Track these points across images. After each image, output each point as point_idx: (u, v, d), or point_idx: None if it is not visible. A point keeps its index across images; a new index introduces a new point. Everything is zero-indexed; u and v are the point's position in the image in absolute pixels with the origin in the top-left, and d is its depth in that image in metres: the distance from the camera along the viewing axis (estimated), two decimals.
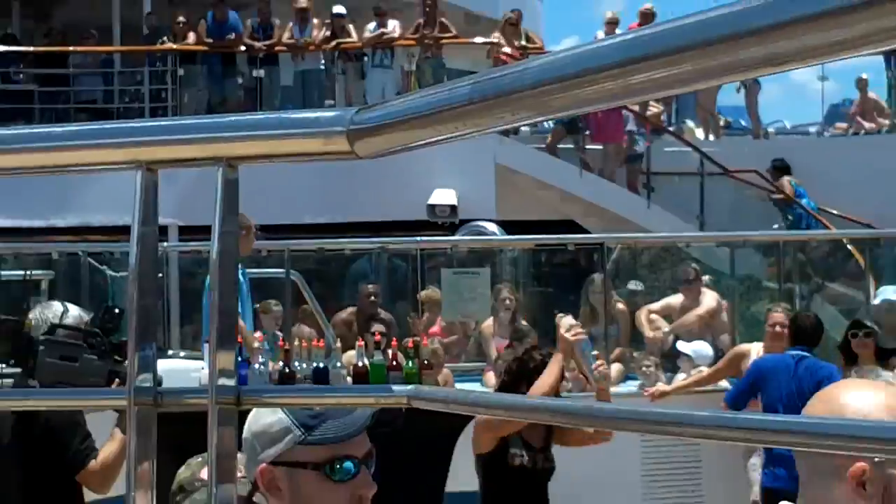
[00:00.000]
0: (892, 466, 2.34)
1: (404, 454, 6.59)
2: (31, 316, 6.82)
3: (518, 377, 7.82)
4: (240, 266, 11.97)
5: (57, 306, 6.86)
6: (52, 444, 6.45)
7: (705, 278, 14.72)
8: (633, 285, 15.33)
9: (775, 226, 20.60)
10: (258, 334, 11.54)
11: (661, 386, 12.75)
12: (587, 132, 21.25)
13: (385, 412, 2.85)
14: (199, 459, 3.51)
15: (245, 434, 2.87)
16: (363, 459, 2.86)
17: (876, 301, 13.03)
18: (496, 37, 21.54)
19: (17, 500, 6.54)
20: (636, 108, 20.72)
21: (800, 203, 20.49)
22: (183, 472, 3.54)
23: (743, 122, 27.54)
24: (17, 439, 6.48)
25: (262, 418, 2.86)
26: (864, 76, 23.30)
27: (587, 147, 21.27)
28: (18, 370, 7.08)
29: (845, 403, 2.41)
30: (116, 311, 6.75)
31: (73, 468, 6.48)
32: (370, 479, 2.86)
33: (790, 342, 10.84)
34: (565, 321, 8.13)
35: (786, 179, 20.85)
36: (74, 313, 6.77)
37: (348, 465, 2.81)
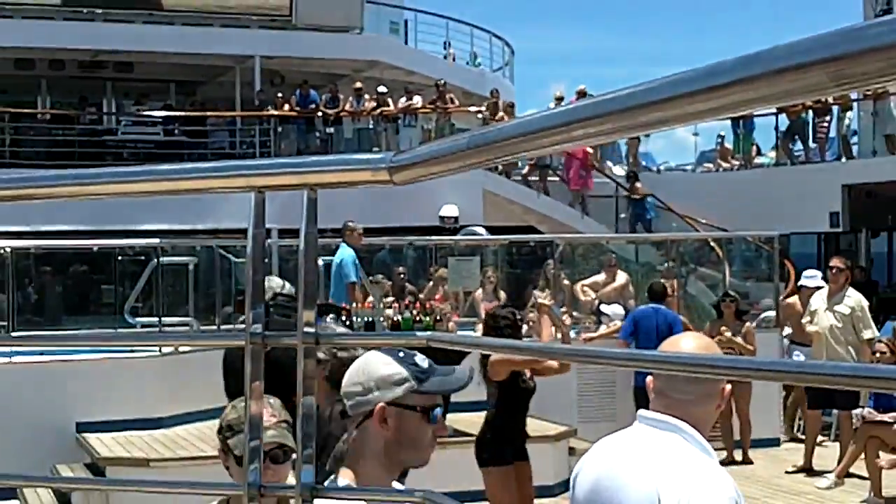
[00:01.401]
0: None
1: None
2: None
3: (489, 331, 7.81)
4: (353, 254, 12.11)
5: (277, 280, 6.62)
6: (282, 376, 5.94)
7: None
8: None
9: (622, 215, 21.14)
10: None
11: (590, 334, 12.87)
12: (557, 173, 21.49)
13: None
14: (243, 403, 3.09)
15: (360, 378, 2.63)
16: (442, 407, 2.69)
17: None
18: (484, 107, 21.63)
19: None
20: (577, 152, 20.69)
21: (647, 200, 20.78)
22: (230, 413, 3.13)
23: (645, 163, 27.49)
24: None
25: (379, 369, 2.61)
26: (722, 133, 23.35)
27: (548, 178, 21.29)
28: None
29: (679, 345, 2.77)
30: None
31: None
32: (444, 423, 2.70)
33: (648, 300, 11.75)
34: (542, 294, 8.98)
35: (638, 184, 20.89)
36: (289, 286, 6.49)
37: (438, 411, 2.64)
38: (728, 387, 2.76)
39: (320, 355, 2.80)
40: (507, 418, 7.64)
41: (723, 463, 2.08)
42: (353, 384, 2.65)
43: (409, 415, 2.58)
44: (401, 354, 2.63)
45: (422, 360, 2.63)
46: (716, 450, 2.91)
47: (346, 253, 12.25)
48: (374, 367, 2.63)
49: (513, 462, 7.62)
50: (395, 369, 2.61)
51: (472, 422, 11.19)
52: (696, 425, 2.74)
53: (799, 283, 12.61)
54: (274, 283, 6.45)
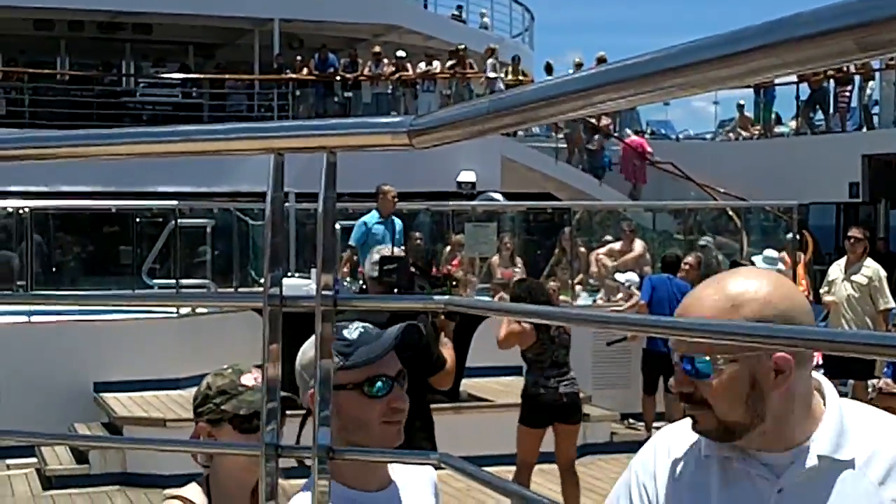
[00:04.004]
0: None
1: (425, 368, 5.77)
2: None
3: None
4: (393, 218, 11.95)
5: (388, 247, 6.63)
6: (424, 349, 5.53)
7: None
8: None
9: (580, 166, 21.19)
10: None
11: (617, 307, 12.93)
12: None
13: (408, 337, 2.39)
14: (230, 370, 2.88)
15: (296, 368, 2.39)
16: (395, 378, 2.35)
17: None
18: (504, 73, 21.56)
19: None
20: (594, 120, 20.65)
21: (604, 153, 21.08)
22: (217, 380, 2.85)
23: (664, 131, 27.40)
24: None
25: (307, 353, 2.35)
26: (742, 102, 23.25)
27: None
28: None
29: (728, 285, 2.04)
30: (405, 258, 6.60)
31: (433, 370, 5.78)
32: (402, 394, 2.35)
33: (661, 270, 11.99)
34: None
35: (597, 137, 21.07)
36: (397, 250, 6.56)
37: (380, 382, 2.31)
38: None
39: None
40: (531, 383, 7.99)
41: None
42: (298, 378, 2.41)
43: (343, 395, 2.27)
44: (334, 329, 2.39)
45: (351, 332, 2.36)
46: None
47: (364, 217, 12.19)
48: (302, 354, 2.39)
49: (543, 426, 7.98)
50: (314, 351, 2.36)
51: (488, 388, 11.26)
52: None
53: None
54: (382, 250, 6.47)
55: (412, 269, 6.42)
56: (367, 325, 2.40)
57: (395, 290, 6.20)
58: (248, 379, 2.83)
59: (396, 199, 12.12)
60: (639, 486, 1.95)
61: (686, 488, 1.90)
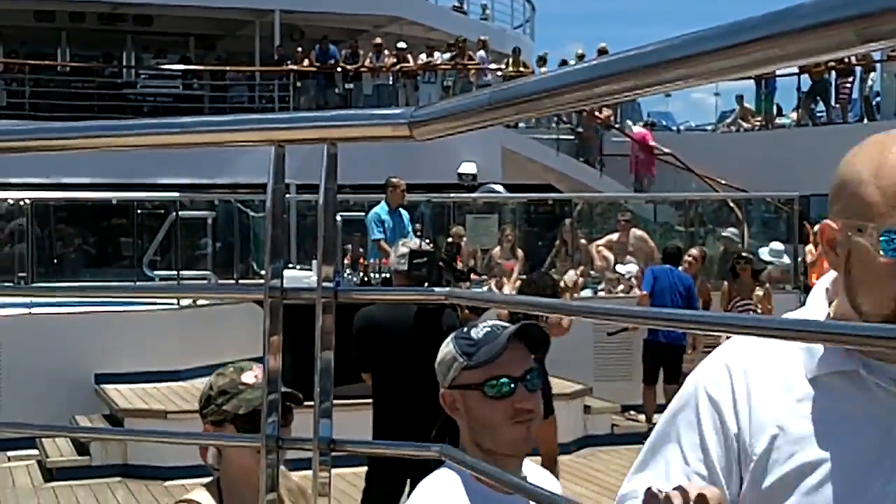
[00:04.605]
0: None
1: None
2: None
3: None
4: (377, 213, 11.85)
5: (416, 241, 6.61)
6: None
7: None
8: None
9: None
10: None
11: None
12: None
13: (532, 333, 2.27)
14: (231, 368, 2.82)
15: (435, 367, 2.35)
16: (520, 377, 2.24)
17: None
18: (504, 64, 21.56)
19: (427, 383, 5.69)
20: (595, 111, 20.63)
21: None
22: (219, 380, 2.79)
23: (665, 123, 27.38)
24: (424, 334, 5.51)
25: (441, 352, 2.32)
26: (741, 95, 23.30)
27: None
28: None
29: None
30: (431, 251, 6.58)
31: None
32: (527, 394, 2.24)
33: (662, 262, 11.95)
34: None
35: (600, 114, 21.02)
36: (425, 244, 6.52)
37: (502, 382, 2.22)
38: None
39: None
40: None
41: None
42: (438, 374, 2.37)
43: (468, 396, 2.25)
44: (464, 329, 2.33)
45: (479, 331, 2.30)
46: None
47: (374, 210, 12.09)
48: (438, 353, 2.35)
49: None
50: (446, 349, 2.31)
51: None
52: None
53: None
54: (410, 243, 6.46)
55: (440, 264, 6.41)
56: (496, 324, 2.33)
57: (426, 285, 6.16)
58: (249, 377, 2.77)
59: (405, 192, 12.07)
60: (710, 404, 1.75)
61: (800, 410, 1.70)
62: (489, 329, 2.29)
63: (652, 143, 21.06)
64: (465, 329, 2.31)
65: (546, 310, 1.95)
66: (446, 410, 2.31)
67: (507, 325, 2.31)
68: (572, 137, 21.54)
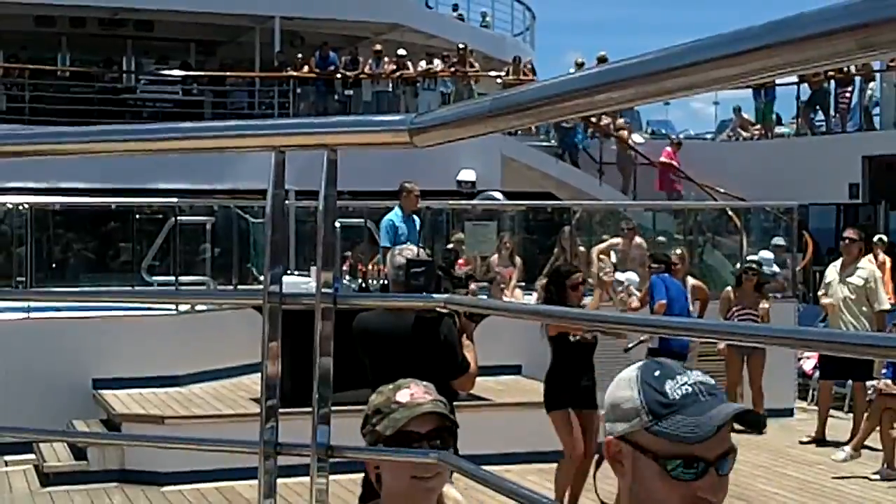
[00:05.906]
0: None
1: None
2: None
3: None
4: (391, 219, 11.79)
5: (412, 249, 6.59)
6: (449, 352, 5.73)
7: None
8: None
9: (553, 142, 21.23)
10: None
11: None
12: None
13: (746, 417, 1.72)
14: (391, 386, 2.66)
15: (606, 398, 1.85)
16: (714, 461, 1.72)
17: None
18: (504, 72, 21.57)
19: None
20: (594, 119, 20.63)
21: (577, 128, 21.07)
22: (376, 399, 2.64)
23: (664, 131, 27.40)
24: (421, 343, 5.67)
25: (620, 390, 1.80)
26: (740, 107, 23.37)
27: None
28: None
29: None
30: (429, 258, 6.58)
31: (456, 373, 5.72)
32: (716, 483, 1.72)
33: (659, 271, 11.58)
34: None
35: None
36: (423, 253, 6.59)
37: (693, 467, 1.71)
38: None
39: None
40: (559, 369, 8.17)
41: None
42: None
43: (642, 460, 1.76)
44: (656, 373, 1.79)
45: (676, 384, 1.75)
46: None
47: (388, 216, 12.03)
48: (615, 384, 1.85)
49: (568, 407, 8.14)
50: (628, 393, 1.79)
51: (487, 387, 11.25)
52: None
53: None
54: (407, 252, 6.43)
55: (438, 271, 6.39)
56: (698, 381, 1.77)
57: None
58: (405, 395, 2.65)
59: (419, 197, 12.06)
60: None
61: None
62: (690, 389, 1.76)
63: (675, 162, 20.82)
64: (657, 370, 1.81)
65: (548, 317, 1.95)
66: (605, 456, 1.85)
67: (709, 382, 1.79)
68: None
